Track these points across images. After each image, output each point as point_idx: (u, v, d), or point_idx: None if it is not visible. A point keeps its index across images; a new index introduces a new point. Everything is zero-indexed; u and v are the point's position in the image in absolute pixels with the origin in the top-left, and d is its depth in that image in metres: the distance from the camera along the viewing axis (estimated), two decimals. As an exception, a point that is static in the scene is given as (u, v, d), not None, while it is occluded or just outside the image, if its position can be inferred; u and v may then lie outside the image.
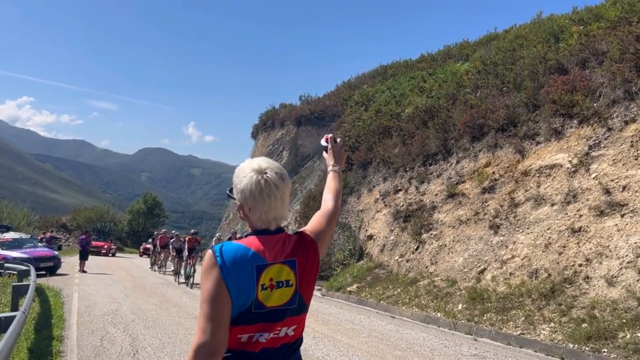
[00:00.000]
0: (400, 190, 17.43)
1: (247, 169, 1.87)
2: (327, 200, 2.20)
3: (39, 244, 23.35)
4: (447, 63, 23.34)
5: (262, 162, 1.90)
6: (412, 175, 17.20)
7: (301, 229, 2.03)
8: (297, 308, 1.85)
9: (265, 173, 1.85)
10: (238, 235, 18.35)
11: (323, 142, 2.42)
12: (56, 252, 21.31)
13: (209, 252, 1.80)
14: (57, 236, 40.13)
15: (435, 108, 17.61)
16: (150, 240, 29.43)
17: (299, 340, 1.91)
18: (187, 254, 17.88)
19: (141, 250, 41.56)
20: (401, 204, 16.72)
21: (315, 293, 16.14)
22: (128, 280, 17.77)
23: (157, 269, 23.61)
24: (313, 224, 2.08)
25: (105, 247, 38.50)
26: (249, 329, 1.77)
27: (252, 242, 1.83)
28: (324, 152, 2.42)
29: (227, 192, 1.95)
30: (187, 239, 18.85)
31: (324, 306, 13.34)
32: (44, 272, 17.53)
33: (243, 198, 1.86)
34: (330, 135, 2.48)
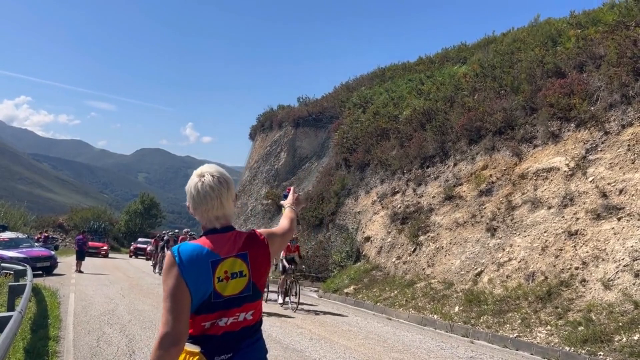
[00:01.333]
0: (397, 192, 17.45)
1: (194, 173, 2.16)
2: (284, 223, 2.54)
3: (36, 244, 23.28)
4: (445, 66, 23.37)
5: (206, 167, 2.18)
6: (409, 178, 17.22)
7: (252, 229, 2.31)
8: (252, 295, 2.10)
9: (203, 176, 2.12)
10: (189, 234, 20.39)
11: (285, 192, 2.87)
12: (53, 252, 21.25)
13: (168, 252, 2.04)
14: (54, 236, 39.90)
15: (433, 110, 17.64)
16: (160, 238, 25.81)
17: (258, 323, 2.15)
18: None
19: (132, 251, 39.53)
20: (398, 206, 16.74)
21: (312, 294, 16.17)
22: (125, 281, 17.74)
23: None
24: (268, 230, 2.37)
25: (104, 248, 37.11)
26: (211, 317, 2.01)
27: (206, 241, 2.08)
28: (284, 198, 2.82)
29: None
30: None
31: (321, 308, 13.34)
32: (40, 272, 17.48)
33: (188, 198, 2.14)
34: (293, 187, 3.03)
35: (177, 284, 1.95)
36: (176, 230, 18.91)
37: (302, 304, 13.21)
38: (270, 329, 9.42)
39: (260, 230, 2.29)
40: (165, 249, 19.81)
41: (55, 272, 19.40)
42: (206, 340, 2.01)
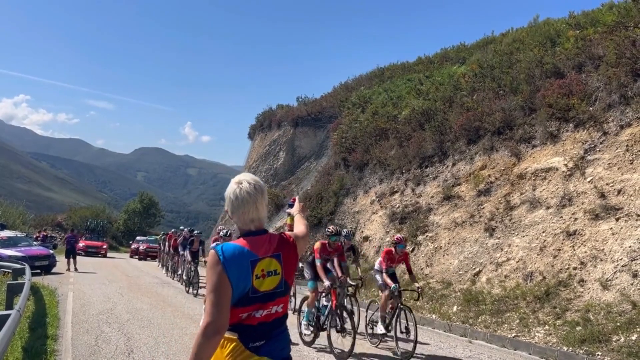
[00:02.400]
0: (396, 192, 17.46)
1: (232, 181, 2.44)
2: (301, 227, 2.82)
3: (34, 242, 23.25)
4: (444, 66, 23.38)
5: (243, 176, 2.47)
6: (408, 177, 17.23)
7: (281, 232, 2.56)
8: (284, 290, 2.37)
9: (241, 184, 2.39)
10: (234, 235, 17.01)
11: (290, 202, 3.19)
12: (51, 251, 21.22)
13: (212, 251, 2.28)
14: (53, 235, 39.76)
15: (431, 110, 17.66)
16: (163, 237, 24.25)
17: (285, 315, 2.43)
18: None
19: (135, 251, 34.74)
20: (397, 206, 16.75)
21: (307, 294, 16.14)
22: (123, 280, 17.73)
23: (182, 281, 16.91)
24: (292, 232, 2.66)
25: (104, 247, 34.36)
26: (248, 309, 2.27)
27: (245, 242, 2.33)
28: (289, 207, 3.10)
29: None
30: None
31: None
32: (39, 271, 17.47)
33: (226, 203, 2.43)
34: (297, 196, 3.36)
35: (220, 280, 2.21)
36: (221, 228, 14.93)
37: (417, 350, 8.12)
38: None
39: (289, 233, 2.59)
40: (187, 249, 16.38)
41: (53, 271, 19.38)
42: (243, 329, 2.27)
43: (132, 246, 35.92)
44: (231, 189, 2.40)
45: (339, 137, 23.12)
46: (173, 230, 21.64)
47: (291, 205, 3.07)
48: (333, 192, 21.10)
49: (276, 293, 2.34)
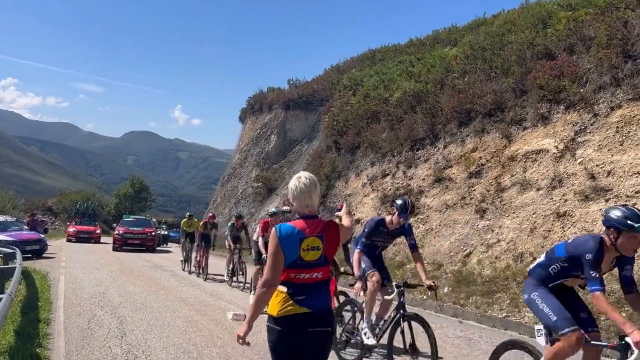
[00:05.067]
0: (387, 174, 17.48)
1: (294, 177, 3.24)
2: (347, 221, 3.63)
3: (25, 227, 23.12)
4: (435, 48, 23.30)
5: (302, 173, 3.28)
6: (399, 160, 17.26)
7: (330, 219, 3.39)
8: (323, 262, 3.16)
9: (300, 178, 3.20)
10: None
11: (337, 207, 3.95)
12: (42, 235, 21.13)
13: (273, 229, 3.14)
14: (44, 219, 39.42)
15: (423, 93, 17.63)
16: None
17: (327, 280, 3.21)
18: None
19: (115, 234, 25.43)
20: (389, 189, 16.79)
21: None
22: (115, 264, 17.72)
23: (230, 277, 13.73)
24: (341, 223, 3.52)
25: (97, 232, 31.22)
26: (295, 272, 3.10)
27: (298, 223, 3.14)
28: (337, 211, 3.90)
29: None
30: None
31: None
32: (30, 255, 17.41)
33: (289, 193, 3.23)
34: (345, 202, 4.09)
35: (277, 250, 3.07)
36: (285, 209, 11.98)
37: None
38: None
39: (336, 221, 3.42)
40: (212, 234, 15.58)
41: (44, 255, 19.31)
42: (291, 285, 3.10)
43: (115, 232, 25.70)
44: (293, 182, 3.20)
45: (330, 120, 23.06)
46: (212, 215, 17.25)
47: (339, 210, 3.86)
48: (325, 175, 21.10)
49: (318, 263, 3.13)
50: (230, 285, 13.31)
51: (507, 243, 11.30)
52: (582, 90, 12.02)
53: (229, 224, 13.99)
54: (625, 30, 11.42)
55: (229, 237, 13.53)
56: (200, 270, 15.23)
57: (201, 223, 15.78)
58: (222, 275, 14.46)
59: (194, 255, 16.07)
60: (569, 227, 10.16)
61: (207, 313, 9.39)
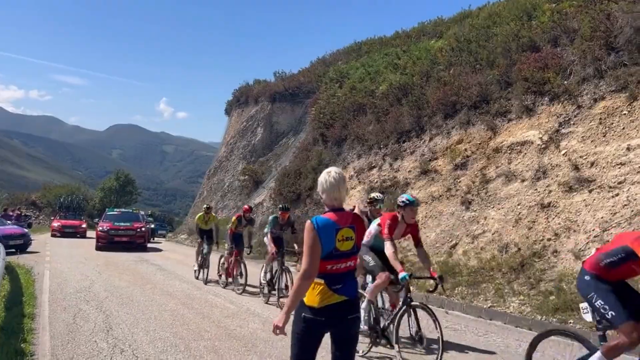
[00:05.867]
0: (374, 167, 17.52)
1: (324, 172, 3.44)
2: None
3: (8, 222, 22.82)
4: (421, 40, 23.32)
5: (331, 168, 3.49)
6: (386, 152, 17.29)
7: (354, 212, 3.69)
8: (355, 252, 3.42)
9: (330, 172, 3.40)
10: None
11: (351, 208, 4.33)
12: (26, 230, 20.89)
13: (309, 222, 3.28)
14: (27, 214, 38.86)
15: (409, 85, 17.65)
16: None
17: (354, 268, 3.47)
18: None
19: (99, 231, 21.51)
20: (375, 181, 16.83)
21: (291, 269, 16.24)
22: (101, 258, 17.58)
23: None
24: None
25: (83, 226, 30.02)
26: (332, 262, 3.30)
27: (332, 215, 3.33)
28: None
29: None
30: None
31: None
32: (13, 250, 17.21)
33: (319, 187, 3.43)
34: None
35: (314, 241, 3.22)
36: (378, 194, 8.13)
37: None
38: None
39: (358, 213, 3.92)
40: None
41: (28, 250, 19.11)
42: (328, 276, 3.27)
43: (99, 228, 21.85)
44: (323, 176, 3.40)
45: (316, 113, 23.02)
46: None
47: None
48: (311, 167, 21.09)
49: (350, 253, 3.37)
50: (268, 301, 10.07)
51: (492, 234, 11.40)
52: (566, 82, 12.11)
53: (271, 218, 10.94)
54: (608, 22, 11.51)
55: (268, 236, 10.53)
56: (231, 280, 11.86)
57: (233, 218, 12.31)
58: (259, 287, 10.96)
59: (220, 259, 12.72)
60: (553, 218, 10.27)
61: (194, 306, 9.38)
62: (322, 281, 3.27)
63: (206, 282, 12.61)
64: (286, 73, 34.88)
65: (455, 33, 19.05)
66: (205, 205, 14.81)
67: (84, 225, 30.64)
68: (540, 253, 9.89)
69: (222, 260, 12.44)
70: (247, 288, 11.37)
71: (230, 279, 11.93)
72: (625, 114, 10.38)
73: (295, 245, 10.76)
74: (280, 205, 10.55)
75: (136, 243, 21.79)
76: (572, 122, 11.43)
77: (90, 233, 30.06)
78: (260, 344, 6.79)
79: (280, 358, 6.13)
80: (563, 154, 11.08)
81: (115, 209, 26.57)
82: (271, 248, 10.25)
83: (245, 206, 12.65)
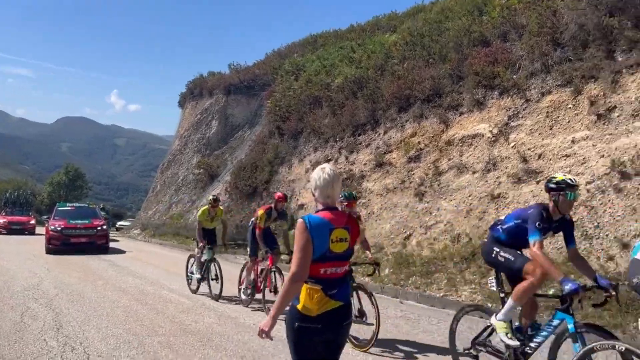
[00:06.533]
0: (330, 160, 17.60)
1: (318, 168, 3.26)
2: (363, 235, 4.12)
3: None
4: (375, 34, 23.51)
5: (325, 165, 3.29)
6: (342, 145, 17.40)
7: (349, 212, 3.65)
8: (349, 254, 3.23)
9: (324, 169, 3.22)
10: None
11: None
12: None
13: (301, 220, 3.06)
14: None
15: (364, 79, 17.79)
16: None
17: (349, 271, 3.25)
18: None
19: (51, 230, 17.94)
20: (331, 174, 16.90)
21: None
22: (50, 255, 17.03)
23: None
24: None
25: (31, 222, 29.07)
26: (325, 266, 3.10)
27: (325, 214, 3.14)
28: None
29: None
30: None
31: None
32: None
33: (312, 184, 3.22)
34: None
35: (307, 242, 3.01)
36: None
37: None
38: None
39: (353, 215, 3.45)
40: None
41: (-28, 247, 18.34)
42: (323, 281, 3.09)
43: (50, 226, 18.27)
44: (317, 173, 3.21)
45: (272, 106, 22.91)
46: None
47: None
48: (268, 161, 21.01)
49: (345, 255, 3.18)
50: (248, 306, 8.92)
51: (445, 224, 11.66)
52: (515, 76, 12.47)
53: (260, 213, 8.95)
54: (555, 19, 11.90)
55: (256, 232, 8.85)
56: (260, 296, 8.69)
57: (260, 211, 8.93)
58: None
59: (242, 269, 9.50)
60: (503, 209, 10.59)
61: (148, 302, 9.23)
62: (319, 287, 3.10)
63: (220, 297, 9.51)
64: (241, 65, 34.53)
65: (408, 27, 19.29)
66: (211, 196, 11.09)
67: (32, 222, 29.55)
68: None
69: (246, 269, 9.22)
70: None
71: (257, 294, 8.88)
72: (570, 107, 10.79)
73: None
74: (345, 193, 7.39)
75: (97, 244, 18.35)
76: (520, 116, 11.79)
77: (40, 229, 28.97)
78: (216, 338, 6.75)
79: (236, 352, 6.12)
80: (512, 147, 11.43)
81: (67, 204, 22.94)
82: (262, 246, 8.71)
83: (279, 193, 9.44)
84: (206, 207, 10.63)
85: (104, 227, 19.17)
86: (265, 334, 3.03)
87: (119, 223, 37.54)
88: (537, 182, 10.36)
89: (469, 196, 11.59)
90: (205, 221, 10.57)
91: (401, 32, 19.56)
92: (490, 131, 12.15)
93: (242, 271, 9.40)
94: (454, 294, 9.42)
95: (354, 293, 6.48)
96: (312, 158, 18.60)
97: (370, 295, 6.45)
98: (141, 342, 6.47)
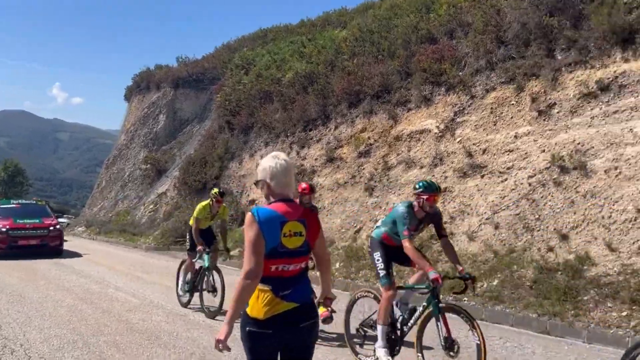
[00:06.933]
0: (281, 154, 17.56)
1: (269, 156, 3.00)
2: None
3: None
4: (326, 29, 23.57)
5: (276, 153, 3.04)
6: (293, 140, 17.40)
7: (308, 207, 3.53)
8: (306, 250, 2.97)
9: (278, 157, 2.97)
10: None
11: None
12: None
13: (249, 213, 2.86)
14: None
15: (314, 74, 17.82)
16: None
17: (306, 269, 3.05)
18: None
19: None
20: (282, 169, 16.88)
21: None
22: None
23: None
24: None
25: None
26: (277, 262, 2.84)
27: (277, 206, 2.90)
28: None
29: (254, 183, 3.17)
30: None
31: (205, 271, 13.23)
32: None
33: (264, 173, 2.95)
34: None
35: (257, 235, 2.78)
36: None
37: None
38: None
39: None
40: None
41: None
42: (274, 281, 2.83)
43: None
44: (270, 162, 2.95)
45: (222, 100, 22.64)
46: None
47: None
48: (218, 156, 20.76)
49: (301, 251, 2.92)
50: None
51: (394, 219, 11.85)
52: (460, 73, 12.78)
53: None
54: (499, 17, 12.27)
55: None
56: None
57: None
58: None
59: None
60: (449, 202, 10.86)
61: (93, 301, 8.99)
62: (268, 287, 2.83)
63: (219, 313, 7.74)
64: (189, 58, 33.92)
65: (358, 23, 19.44)
66: (215, 190, 8.93)
67: None
68: (435, 236, 10.42)
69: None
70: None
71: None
72: (513, 104, 11.16)
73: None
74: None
75: (50, 247, 16.44)
76: (466, 112, 12.11)
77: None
78: (165, 336, 6.65)
79: (185, 349, 6.05)
80: (458, 142, 11.73)
81: (12, 201, 20.22)
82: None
83: (303, 183, 7.30)
84: (207, 202, 8.82)
85: (57, 226, 17.22)
86: (221, 343, 2.74)
87: (59, 220, 36.05)
88: (482, 177, 10.68)
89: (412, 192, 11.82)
90: (204, 219, 8.74)
91: (351, 28, 19.69)
92: (437, 127, 12.43)
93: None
94: (403, 284, 9.59)
95: (440, 316, 4.96)
96: (263, 153, 18.51)
97: (469, 320, 4.83)
98: (86, 342, 6.30)
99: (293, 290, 2.88)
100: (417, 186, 5.48)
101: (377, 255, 5.65)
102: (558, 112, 10.18)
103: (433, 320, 5.05)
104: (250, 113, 20.06)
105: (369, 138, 14.29)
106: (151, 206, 24.57)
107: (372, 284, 10.07)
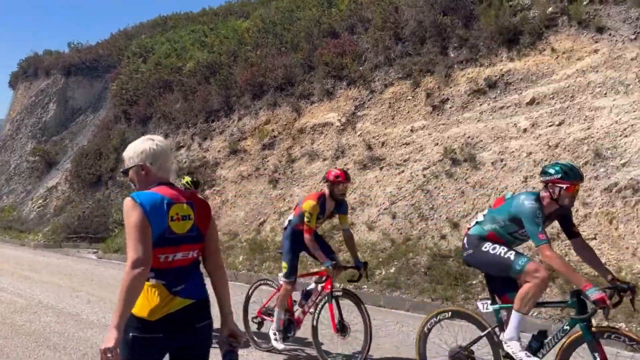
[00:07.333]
0: (182, 146, 17.13)
1: (142, 139, 2.72)
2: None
3: None
4: (228, 19, 23.21)
5: (151, 135, 2.79)
6: (194, 132, 17.01)
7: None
8: (197, 236, 2.63)
9: (153, 140, 2.71)
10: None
11: None
12: None
13: (128, 198, 2.49)
14: None
15: (217, 64, 17.51)
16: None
17: (199, 260, 2.70)
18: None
19: None
20: (184, 161, 16.46)
21: (91, 257, 15.24)
22: None
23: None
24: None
25: None
26: (165, 251, 2.51)
27: (160, 189, 2.57)
28: None
29: (121, 171, 2.83)
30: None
31: (100, 269, 12.68)
32: None
33: (142, 157, 2.63)
34: None
35: (141, 220, 2.42)
36: None
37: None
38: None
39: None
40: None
41: None
42: (165, 275, 2.50)
43: None
44: (147, 144, 2.66)
45: (118, 88, 21.63)
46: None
47: None
48: (113, 147, 19.81)
49: (190, 237, 2.59)
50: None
51: (297, 210, 12.00)
52: (361, 68, 13.14)
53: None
54: (397, 15, 12.73)
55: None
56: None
57: (310, 202, 5.83)
58: None
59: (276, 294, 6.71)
60: (350, 193, 11.15)
61: (-25, 304, 8.31)
62: (161, 282, 2.49)
63: None
64: (82, 44, 32.01)
65: (261, 14, 19.33)
66: (187, 179, 7.31)
67: None
68: (338, 226, 10.68)
69: (278, 298, 6.25)
70: None
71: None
72: (409, 99, 11.66)
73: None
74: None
75: None
76: (366, 106, 12.47)
77: None
78: (54, 337, 6.31)
79: (77, 349, 5.78)
80: (358, 135, 12.07)
81: None
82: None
83: (335, 170, 5.82)
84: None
85: None
86: (110, 352, 2.30)
87: None
88: (381, 169, 11.09)
89: (320, 182, 12.03)
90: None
91: (254, 19, 19.54)
92: (339, 120, 12.70)
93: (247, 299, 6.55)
94: (306, 276, 9.75)
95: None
96: (163, 145, 17.95)
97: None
98: (-34, 348, 5.83)
99: (187, 285, 2.54)
100: (550, 171, 3.92)
101: (489, 245, 4.17)
102: (450, 107, 10.78)
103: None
104: (149, 103, 19.35)
105: (273, 130, 14.31)
106: (40, 201, 23.01)
107: (276, 275, 10.13)
